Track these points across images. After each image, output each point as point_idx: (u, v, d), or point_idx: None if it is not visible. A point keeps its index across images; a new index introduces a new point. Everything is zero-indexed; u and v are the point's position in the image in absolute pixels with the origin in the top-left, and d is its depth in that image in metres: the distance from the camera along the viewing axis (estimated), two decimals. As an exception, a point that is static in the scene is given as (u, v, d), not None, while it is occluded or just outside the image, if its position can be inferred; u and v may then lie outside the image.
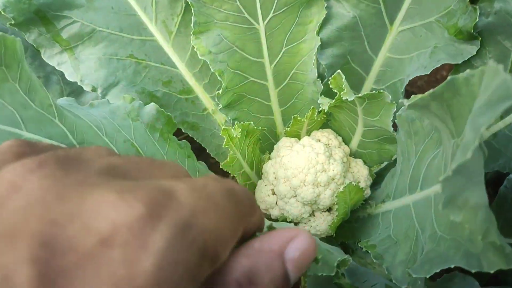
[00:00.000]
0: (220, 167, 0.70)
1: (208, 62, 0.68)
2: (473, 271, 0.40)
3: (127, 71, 0.77)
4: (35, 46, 0.73)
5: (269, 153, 0.82)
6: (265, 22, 0.68)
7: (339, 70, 0.63)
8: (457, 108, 0.43)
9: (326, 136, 0.81)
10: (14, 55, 0.49)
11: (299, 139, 0.82)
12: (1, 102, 0.48)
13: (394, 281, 0.52)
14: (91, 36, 0.74)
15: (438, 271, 0.43)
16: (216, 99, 0.75)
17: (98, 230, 0.21)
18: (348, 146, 0.82)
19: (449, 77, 0.42)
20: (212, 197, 0.26)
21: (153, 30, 0.77)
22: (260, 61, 0.73)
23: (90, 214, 0.22)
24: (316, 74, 0.74)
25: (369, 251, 0.57)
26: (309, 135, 0.82)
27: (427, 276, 0.44)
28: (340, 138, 0.82)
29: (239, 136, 0.67)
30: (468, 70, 0.40)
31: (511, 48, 0.61)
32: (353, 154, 0.82)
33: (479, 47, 0.64)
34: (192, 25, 0.67)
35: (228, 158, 0.68)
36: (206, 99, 0.84)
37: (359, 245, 0.62)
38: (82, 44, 0.74)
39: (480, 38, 0.63)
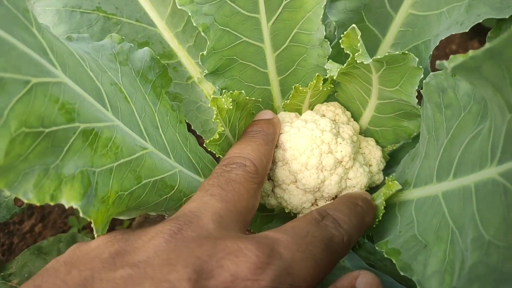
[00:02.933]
0: (204, 145, 0.57)
1: (190, 14, 0.55)
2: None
3: (93, 28, 0.63)
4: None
5: (265, 130, 0.69)
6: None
7: (354, 25, 0.49)
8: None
9: (333, 110, 0.68)
10: None
11: (300, 114, 0.69)
12: None
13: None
14: (47, -17, 0.60)
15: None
16: (200, 62, 0.62)
17: (228, 267, 0.35)
18: (358, 122, 0.69)
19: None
20: (310, 249, 0.39)
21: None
22: (256, 17, 0.60)
23: (221, 256, 0.36)
24: (324, 34, 0.60)
25: (393, 260, 0.45)
26: (312, 109, 0.69)
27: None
28: (348, 113, 0.69)
29: (230, 107, 0.54)
30: None
31: None
32: (364, 132, 0.70)
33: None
34: None
35: (216, 135, 0.55)
36: (190, 65, 0.71)
37: (377, 248, 0.50)
38: (35, -8, 0.60)
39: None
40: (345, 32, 0.51)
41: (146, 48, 0.56)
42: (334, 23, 0.62)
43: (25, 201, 0.33)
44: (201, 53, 0.58)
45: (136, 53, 0.56)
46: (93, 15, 0.63)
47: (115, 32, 0.65)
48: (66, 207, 0.36)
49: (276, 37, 0.63)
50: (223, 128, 0.56)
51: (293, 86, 0.63)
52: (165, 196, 0.49)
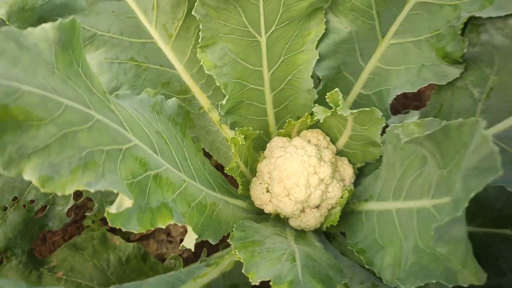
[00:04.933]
0: (225, 171, 0.75)
1: (214, 77, 0.71)
2: (450, 286, 0.49)
3: (128, 75, 0.79)
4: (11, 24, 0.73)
5: (263, 152, 0.88)
6: (267, 35, 0.72)
7: (337, 89, 0.68)
8: (446, 148, 0.50)
9: (316, 136, 0.87)
10: (78, 39, 0.50)
11: (290, 137, 0.88)
12: (71, 85, 0.50)
13: (384, 283, 0.60)
14: (92, 40, 0.75)
15: (422, 284, 0.52)
16: (210, 99, 0.79)
17: None
18: (335, 145, 0.89)
19: (443, 123, 0.48)
20: None
21: (153, 33, 0.79)
22: (259, 69, 0.77)
23: None
24: (312, 85, 0.78)
25: (361, 257, 0.66)
26: (299, 135, 0.88)
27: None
28: (328, 138, 0.88)
29: (243, 143, 0.73)
30: (460, 119, 0.47)
31: (490, 74, 0.68)
32: (339, 153, 0.89)
33: (463, 70, 0.70)
34: (199, 40, 0.69)
35: (233, 163, 0.73)
36: (202, 99, 0.87)
37: (350, 247, 0.70)
38: (83, 47, 0.75)
39: (464, 64, 0.70)
40: (330, 92, 0.69)
41: (174, 98, 0.72)
42: (319, 76, 0.80)
43: (135, 232, 0.50)
44: (220, 102, 0.75)
45: (166, 102, 0.72)
46: (127, 64, 0.78)
47: (144, 76, 0.81)
48: (163, 227, 0.54)
49: (273, 82, 0.81)
50: (238, 159, 0.74)
51: (286, 120, 0.82)
52: (204, 214, 0.67)
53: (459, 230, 0.45)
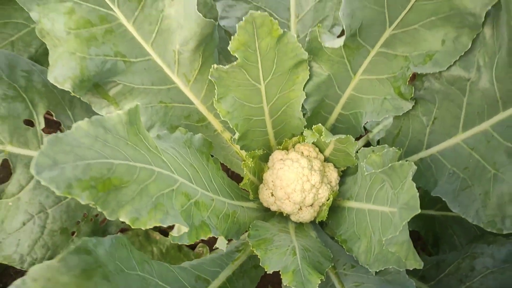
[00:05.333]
0: (240, 186, 1.00)
1: (228, 121, 0.94)
2: (401, 269, 0.74)
3: (159, 114, 1.01)
4: (88, 102, 0.95)
5: (266, 163, 1.12)
6: (265, 83, 0.94)
7: (319, 124, 0.91)
8: (394, 178, 0.74)
9: (307, 149, 1.11)
10: (139, 116, 0.71)
11: (287, 149, 1.12)
12: (138, 150, 0.71)
13: (360, 264, 0.86)
14: (131, 92, 0.97)
15: (383, 268, 0.77)
16: (222, 123, 1.03)
17: None
18: (323, 154, 1.12)
19: (391, 164, 0.72)
20: None
21: (175, 79, 1.00)
22: (260, 106, 0.99)
23: None
24: (302, 115, 1.01)
25: (343, 246, 0.91)
26: (294, 147, 1.12)
27: (377, 270, 0.78)
28: (317, 149, 1.12)
29: (253, 165, 0.96)
30: (401, 161, 0.71)
31: (433, 108, 0.91)
32: (326, 160, 1.13)
33: (414, 104, 0.93)
34: (215, 97, 0.91)
35: (246, 180, 0.98)
36: (216, 123, 1.10)
37: (336, 238, 0.96)
38: (124, 99, 0.97)
39: (414, 100, 0.93)
40: (315, 126, 0.92)
41: (199, 134, 0.95)
42: (307, 108, 1.03)
43: (186, 243, 0.75)
44: (233, 137, 0.98)
45: (194, 137, 0.95)
46: (158, 106, 1.01)
47: (171, 113, 1.03)
48: (205, 239, 0.78)
49: (272, 112, 1.04)
50: (249, 176, 0.98)
51: (283, 138, 1.05)
52: (229, 221, 0.91)
53: (402, 236, 0.70)
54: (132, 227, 0.68)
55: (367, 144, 1.18)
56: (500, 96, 0.78)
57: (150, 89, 0.99)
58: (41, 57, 1.44)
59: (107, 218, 0.66)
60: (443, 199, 0.86)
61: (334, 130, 1.13)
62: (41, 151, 0.60)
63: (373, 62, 0.94)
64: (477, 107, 0.83)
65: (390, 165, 0.72)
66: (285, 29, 0.86)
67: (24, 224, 0.92)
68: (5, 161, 0.93)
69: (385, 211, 0.83)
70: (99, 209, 0.64)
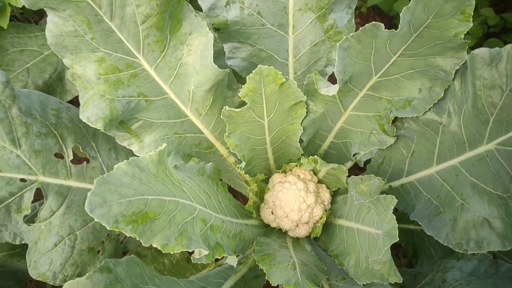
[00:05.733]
0: (246, 208, 1.14)
1: (236, 153, 1.08)
2: (384, 283, 0.89)
3: (174, 144, 1.15)
4: (111, 135, 1.08)
5: (267, 185, 1.26)
6: (268, 119, 1.08)
7: (316, 156, 1.06)
8: (378, 207, 0.90)
9: (303, 172, 1.25)
10: (165, 155, 0.86)
11: (286, 173, 1.27)
12: (166, 184, 0.84)
13: (350, 276, 1.01)
14: (151, 126, 1.10)
15: (369, 282, 0.92)
16: (227, 149, 1.17)
17: None
18: (317, 176, 1.27)
19: (376, 196, 0.87)
20: None
21: (188, 113, 1.14)
22: (263, 137, 1.14)
23: None
24: (299, 145, 1.16)
25: (335, 260, 1.06)
26: (291, 171, 1.26)
27: (364, 283, 0.93)
28: (312, 172, 1.27)
29: (257, 190, 1.11)
30: (384, 195, 0.86)
31: (412, 144, 1.06)
32: (320, 181, 1.28)
33: (396, 139, 1.08)
34: (226, 133, 1.05)
35: (251, 202, 1.12)
36: (222, 150, 1.24)
37: (329, 253, 1.11)
38: (144, 132, 1.10)
39: (396, 136, 1.08)
40: (311, 157, 1.07)
41: (210, 163, 1.09)
42: (304, 139, 1.18)
43: (204, 262, 0.88)
44: (240, 165, 1.12)
45: (206, 166, 1.08)
46: (173, 137, 1.14)
47: (183, 143, 1.16)
48: (220, 257, 0.92)
49: (272, 141, 1.18)
50: (254, 198, 1.12)
51: (282, 163, 1.20)
52: (236, 239, 1.05)
53: (385, 257, 0.85)
54: (163, 252, 0.82)
55: (355, 165, 1.33)
56: (466, 139, 0.94)
57: (166, 122, 1.12)
58: (54, 83, 1.56)
59: (143, 244, 0.80)
60: (419, 223, 1.02)
61: (326, 155, 1.28)
62: (92, 192, 0.73)
63: (361, 102, 1.09)
64: (448, 146, 0.99)
65: (376, 197, 0.87)
66: (286, 76, 1.00)
67: (55, 245, 1.05)
68: (38, 189, 1.05)
69: (371, 232, 0.98)
70: (137, 238, 0.77)
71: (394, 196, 0.83)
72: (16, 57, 1.52)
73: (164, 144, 0.85)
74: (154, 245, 0.80)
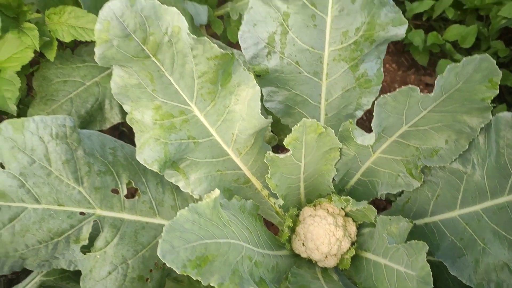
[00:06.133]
0: (281, 241, 1.23)
1: (276, 193, 1.18)
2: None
3: (216, 180, 1.25)
4: (161, 174, 1.18)
5: (297, 217, 1.36)
6: (305, 161, 1.18)
7: (349, 197, 1.16)
8: (410, 251, 0.99)
9: (332, 207, 1.35)
10: (218, 201, 0.97)
11: (315, 206, 1.36)
12: (218, 227, 0.95)
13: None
14: (196, 165, 1.20)
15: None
16: (262, 183, 1.27)
17: None
18: (344, 210, 1.37)
19: (409, 242, 0.97)
20: None
21: (230, 153, 1.24)
22: (298, 176, 1.24)
23: None
24: (331, 183, 1.26)
25: (363, 294, 1.16)
26: (321, 205, 1.36)
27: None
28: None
29: (292, 225, 1.21)
30: (416, 241, 0.95)
31: (437, 188, 1.16)
32: (346, 214, 1.38)
33: (422, 182, 1.19)
34: (268, 175, 1.15)
35: (285, 237, 1.22)
36: (258, 184, 1.34)
37: (357, 285, 1.20)
38: (191, 170, 1.20)
39: (423, 181, 1.18)
40: (344, 197, 1.17)
41: (250, 200, 1.19)
42: (336, 179, 1.28)
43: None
44: (276, 201, 1.22)
45: (247, 203, 1.18)
46: (216, 174, 1.24)
47: (224, 178, 1.26)
48: None
49: (306, 179, 1.28)
50: (288, 233, 1.22)
51: (312, 198, 1.30)
52: (274, 272, 1.15)
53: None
54: (218, 290, 0.92)
55: (378, 199, 1.43)
56: (489, 189, 1.04)
57: (210, 161, 1.22)
58: (95, 112, 1.66)
59: (202, 284, 0.90)
60: (444, 263, 1.11)
61: (353, 191, 1.38)
62: (162, 239, 0.83)
63: (390, 146, 1.19)
64: (471, 193, 1.08)
65: (408, 242, 0.97)
66: (325, 126, 1.10)
67: (109, 273, 1.15)
68: (95, 222, 1.15)
69: (400, 270, 1.08)
70: (199, 280, 0.87)
71: (425, 244, 0.93)
72: (60, 87, 1.62)
73: (218, 191, 0.95)
74: (211, 284, 0.90)
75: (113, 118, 1.67)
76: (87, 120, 1.63)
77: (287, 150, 1.10)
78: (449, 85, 0.94)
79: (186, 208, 0.90)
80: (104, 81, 1.67)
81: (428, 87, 2.53)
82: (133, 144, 1.14)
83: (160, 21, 0.94)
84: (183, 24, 0.95)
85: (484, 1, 2.29)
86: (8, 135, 1.03)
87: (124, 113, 1.66)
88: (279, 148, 1.78)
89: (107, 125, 1.67)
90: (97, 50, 0.93)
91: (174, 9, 0.94)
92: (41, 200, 1.09)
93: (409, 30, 2.37)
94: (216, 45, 0.97)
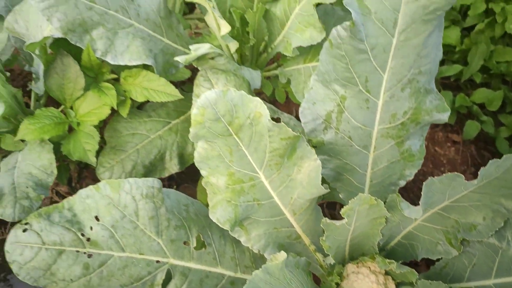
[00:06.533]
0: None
1: (329, 254, 1.33)
2: None
3: (272, 237, 1.40)
4: (231, 231, 1.34)
5: (342, 274, 1.49)
6: (354, 226, 1.33)
7: (393, 261, 1.30)
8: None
9: (373, 264, 1.49)
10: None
11: (358, 263, 1.50)
12: (284, 285, 1.11)
13: None
14: (257, 223, 1.36)
15: None
16: (310, 239, 1.41)
17: None
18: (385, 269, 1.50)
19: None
20: None
21: (286, 213, 1.39)
22: (347, 237, 1.39)
23: None
24: (377, 247, 1.40)
25: None
26: (363, 264, 1.50)
27: None
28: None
29: (338, 281, 1.35)
30: None
31: (474, 258, 1.30)
32: (386, 272, 1.51)
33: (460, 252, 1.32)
34: (323, 238, 1.30)
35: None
36: (306, 240, 1.49)
37: None
38: (252, 227, 1.36)
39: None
40: (389, 261, 1.31)
41: (304, 257, 1.34)
42: (380, 243, 1.42)
43: None
44: (326, 260, 1.36)
45: (300, 259, 1.33)
46: (272, 231, 1.39)
47: (279, 235, 1.41)
48: None
49: (353, 239, 1.42)
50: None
51: (357, 258, 1.44)
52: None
53: None
54: None
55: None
56: (522, 265, 1.17)
57: (269, 220, 1.38)
58: (157, 162, 1.85)
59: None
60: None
61: (392, 251, 1.52)
62: (244, 296, 0.99)
63: (431, 217, 1.34)
64: (506, 266, 1.22)
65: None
66: (376, 198, 1.26)
67: (177, 314, 1.30)
68: (168, 270, 1.31)
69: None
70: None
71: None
72: (129, 139, 1.82)
73: (284, 254, 1.11)
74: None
75: (172, 168, 1.85)
76: (150, 169, 1.81)
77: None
78: (489, 174, 1.10)
79: (260, 269, 1.06)
80: (166, 135, 1.86)
81: (455, 144, 2.67)
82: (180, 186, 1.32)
83: (245, 108, 1.13)
84: (264, 111, 1.13)
85: (509, 68, 2.47)
86: (105, 193, 1.21)
87: (181, 164, 1.85)
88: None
89: (166, 174, 1.85)
90: (192, 129, 1.12)
91: (257, 99, 1.13)
92: (126, 249, 1.26)
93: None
94: (290, 129, 1.15)
